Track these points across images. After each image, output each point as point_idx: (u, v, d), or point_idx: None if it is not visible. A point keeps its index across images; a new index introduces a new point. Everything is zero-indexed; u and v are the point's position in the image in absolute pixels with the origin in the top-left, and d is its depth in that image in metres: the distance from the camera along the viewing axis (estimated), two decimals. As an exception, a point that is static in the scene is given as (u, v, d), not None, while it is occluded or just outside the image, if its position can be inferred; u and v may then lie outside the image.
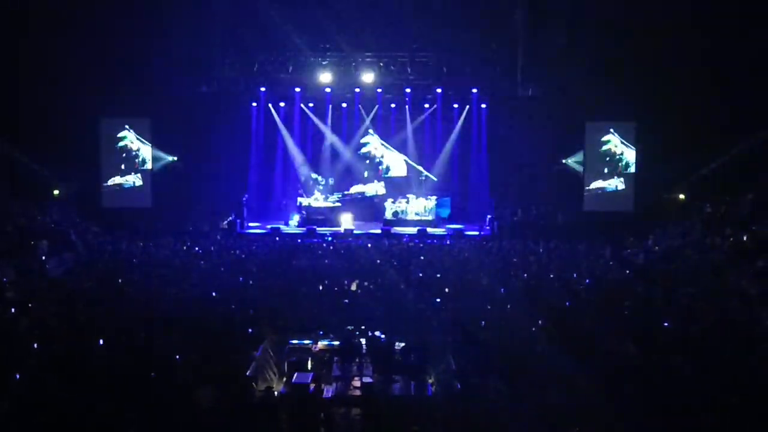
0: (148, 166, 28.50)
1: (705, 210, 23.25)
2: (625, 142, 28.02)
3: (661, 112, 25.96)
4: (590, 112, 28.06)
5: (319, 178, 30.69)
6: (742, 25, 23.58)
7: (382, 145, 31.58)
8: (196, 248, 22.59)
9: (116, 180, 28.39)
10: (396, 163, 31.70)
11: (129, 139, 28.41)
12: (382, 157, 31.67)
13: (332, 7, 27.01)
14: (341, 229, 27.54)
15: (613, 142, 28.15)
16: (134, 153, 28.42)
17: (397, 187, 30.94)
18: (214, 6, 27.23)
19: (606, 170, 28.22)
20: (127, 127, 28.42)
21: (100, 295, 15.92)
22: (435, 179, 31.21)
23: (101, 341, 12.24)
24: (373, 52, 28.76)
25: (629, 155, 28.10)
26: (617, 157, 28.18)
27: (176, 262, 20.25)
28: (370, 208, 30.70)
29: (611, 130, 28.18)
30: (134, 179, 28.47)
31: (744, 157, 23.91)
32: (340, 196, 30.63)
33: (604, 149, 28.18)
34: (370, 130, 31.43)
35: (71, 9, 24.96)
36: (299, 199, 30.03)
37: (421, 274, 18.45)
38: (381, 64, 29.06)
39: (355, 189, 31.24)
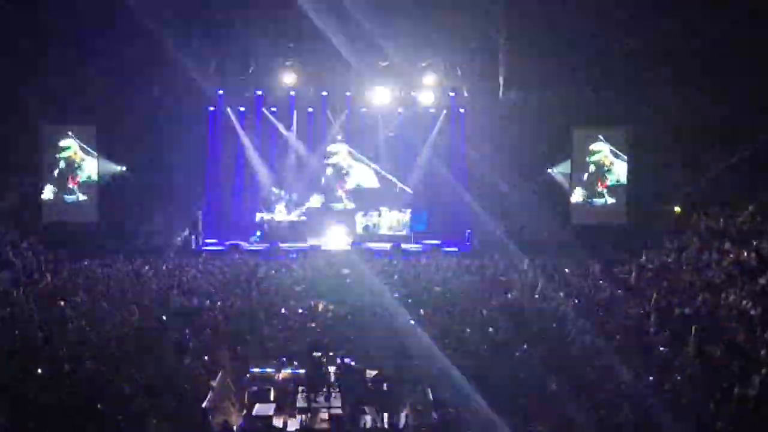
0: (94, 178, 28.18)
1: (702, 223, 23.45)
2: (616, 152, 28.17)
3: (654, 117, 26.17)
4: (578, 118, 28.23)
5: (282, 192, 30.54)
6: (740, 27, 23.86)
7: (351, 154, 31.53)
8: (147, 267, 22.44)
9: (56, 194, 28.06)
10: (366, 175, 31.63)
11: (72, 149, 28.10)
12: (350, 167, 31.58)
13: (297, 5, 26.83)
14: (307, 245, 27.51)
15: (604, 152, 28.33)
16: (77, 165, 28.11)
17: (367, 200, 30.94)
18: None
19: (594, 183, 28.40)
20: (70, 134, 28.12)
21: (40, 320, 15.77)
22: (410, 191, 31.21)
23: (42, 370, 12.12)
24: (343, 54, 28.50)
25: (620, 169, 28.30)
26: (606, 169, 28.35)
27: (125, 282, 20.11)
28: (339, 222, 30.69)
29: (600, 137, 28.34)
30: (78, 194, 28.16)
31: (744, 166, 24.11)
32: (303, 209, 30.51)
33: (592, 159, 28.34)
34: (339, 136, 31.37)
35: (8, 7, 24.79)
36: (258, 215, 29.97)
37: (395, 295, 18.44)
38: (350, 66, 28.84)
39: (315, 201, 31.16)
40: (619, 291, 19.16)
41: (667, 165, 26.50)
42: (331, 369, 13.54)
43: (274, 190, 30.63)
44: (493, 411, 10.76)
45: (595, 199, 28.32)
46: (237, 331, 15.21)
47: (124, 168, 28.72)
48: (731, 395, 10.72)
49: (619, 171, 28.27)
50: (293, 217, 30.04)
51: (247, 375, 13.58)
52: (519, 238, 26.78)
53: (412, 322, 16.01)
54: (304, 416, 12.46)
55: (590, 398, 11.13)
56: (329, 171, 31.53)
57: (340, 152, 31.51)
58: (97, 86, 26.93)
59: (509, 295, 18.68)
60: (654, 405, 10.77)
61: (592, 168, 28.37)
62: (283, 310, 17.05)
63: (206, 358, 13.59)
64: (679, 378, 11.82)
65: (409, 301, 17.93)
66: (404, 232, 29.61)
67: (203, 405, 11.66)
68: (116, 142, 28.34)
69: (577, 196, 28.37)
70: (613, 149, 28.18)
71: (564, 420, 10.40)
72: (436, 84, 29.79)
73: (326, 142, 31.28)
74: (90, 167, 28.21)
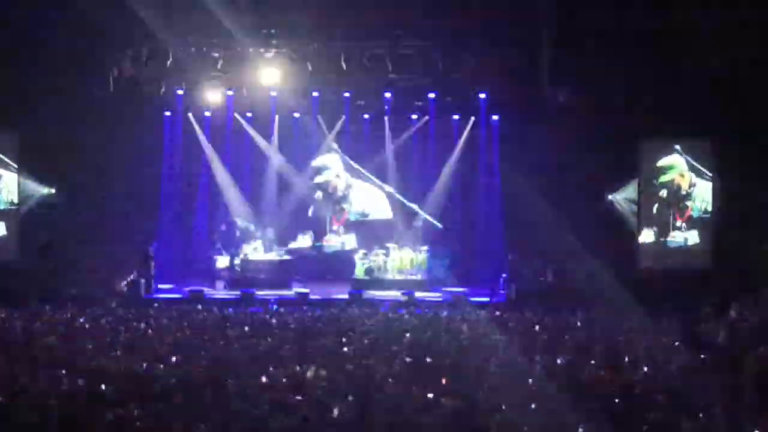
0: (14, 202, 28.14)
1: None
2: (700, 171, 27.98)
3: (749, 125, 26.09)
4: (647, 127, 28.13)
5: (251, 227, 30.40)
6: None
7: (351, 169, 31.42)
8: (81, 320, 22.37)
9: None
10: (373, 201, 31.51)
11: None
12: (348, 188, 31.49)
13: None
14: (292, 293, 27.39)
15: (678, 169, 28.14)
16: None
17: (377, 237, 30.84)
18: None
19: (669, 212, 28.24)
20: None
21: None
22: (439, 225, 31.05)
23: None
24: (339, 40, 28.35)
25: (704, 195, 28.10)
26: (685, 194, 28.15)
27: (52, 340, 20.02)
28: (333, 263, 30.64)
29: (678, 149, 28.16)
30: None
31: None
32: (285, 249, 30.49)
33: (666, 180, 28.19)
34: (334, 144, 31.28)
35: None
36: (219, 259, 29.95)
37: (408, 359, 18.33)
38: (344, 57, 28.67)
39: (303, 242, 31.10)
40: (703, 356, 19.03)
41: (765, 190, 26.38)
42: (323, 457, 13.42)
43: (239, 221, 30.49)
44: None
45: (670, 235, 28.15)
46: (198, 406, 15.09)
47: (52, 189, 28.64)
48: None
49: (703, 198, 28.07)
50: (272, 256, 29.92)
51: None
52: (569, 285, 26.71)
53: (430, 395, 15.90)
54: None
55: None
56: (318, 195, 31.47)
57: (332, 167, 31.37)
58: (21, 84, 26.95)
59: (559, 360, 18.55)
60: None
61: (665, 193, 28.24)
62: (261, 379, 16.95)
63: (157, 441, 13.48)
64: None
65: (428, 359, 17.83)
66: (419, 276, 29.48)
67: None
68: (45, 155, 28.26)
69: (647, 230, 28.23)
70: (696, 168, 28.01)
71: None
72: (460, 82, 29.68)
73: (317, 155, 31.27)
74: (9, 188, 28.12)
